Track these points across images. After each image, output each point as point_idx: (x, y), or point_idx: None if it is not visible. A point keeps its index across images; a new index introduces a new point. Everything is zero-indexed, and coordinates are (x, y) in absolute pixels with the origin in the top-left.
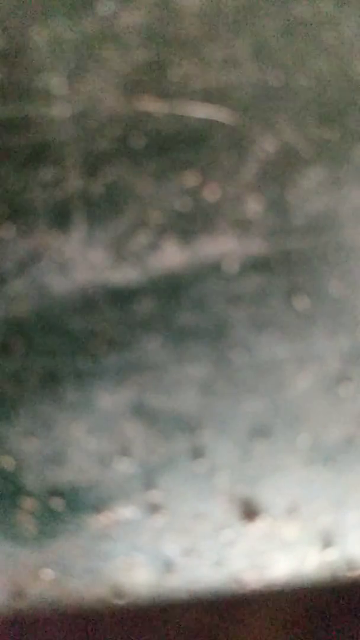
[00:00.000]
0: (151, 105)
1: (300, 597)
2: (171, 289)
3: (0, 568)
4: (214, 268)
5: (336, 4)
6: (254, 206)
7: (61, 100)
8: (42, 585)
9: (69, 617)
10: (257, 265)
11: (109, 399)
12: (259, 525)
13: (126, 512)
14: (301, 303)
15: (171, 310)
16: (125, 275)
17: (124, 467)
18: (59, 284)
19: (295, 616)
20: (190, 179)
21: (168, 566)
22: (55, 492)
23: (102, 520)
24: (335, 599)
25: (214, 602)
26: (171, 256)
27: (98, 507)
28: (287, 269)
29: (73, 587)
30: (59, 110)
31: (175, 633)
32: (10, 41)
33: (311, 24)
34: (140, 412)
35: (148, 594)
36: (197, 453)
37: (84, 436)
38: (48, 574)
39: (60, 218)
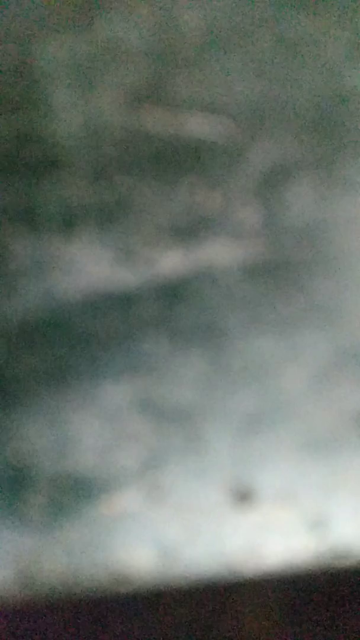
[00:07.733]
0: (153, 117)
1: (292, 587)
2: (172, 292)
3: (9, 556)
4: (212, 273)
5: (327, 24)
6: (251, 214)
7: (68, 113)
8: (49, 574)
9: (72, 605)
10: (253, 270)
11: (114, 393)
12: (254, 512)
13: (129, 500)
14: (294, 306)
15: (172, 312)
16: (130, 279)
17: (127, 456)
18: (67, 288)
19: (287, 607)
20: (190, 187)
21: (168, 553)
22: (62, 480)
23: (106, 508)
24: (327, 586)
25: (208, 593)
26: (172, 261)
27: (102, 495)
28: (281, 273)
29: (78, 575)
30: (66, 124)
31: (171, 623)
32: (18, 57)
33: (304, 42)
34: (143, 404)
35: (149, 581)
36: (195, 443)
37: (90, 427)
38: (54, 562)
39: (67, 226)
